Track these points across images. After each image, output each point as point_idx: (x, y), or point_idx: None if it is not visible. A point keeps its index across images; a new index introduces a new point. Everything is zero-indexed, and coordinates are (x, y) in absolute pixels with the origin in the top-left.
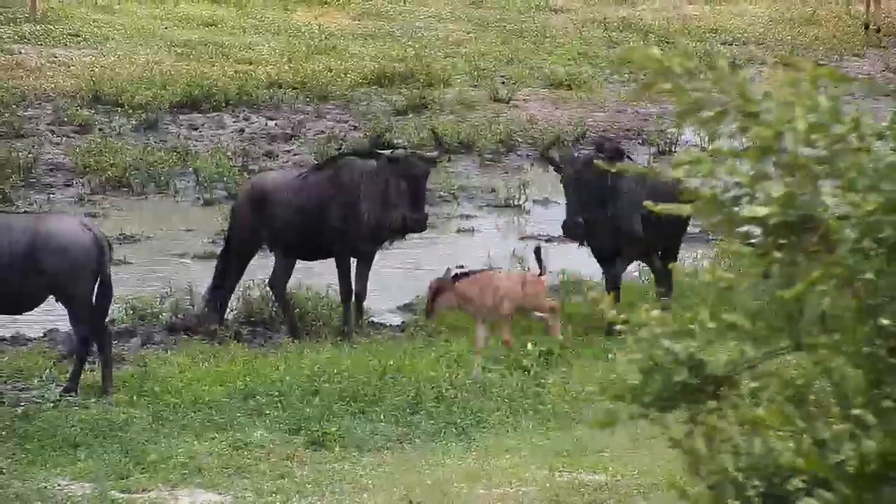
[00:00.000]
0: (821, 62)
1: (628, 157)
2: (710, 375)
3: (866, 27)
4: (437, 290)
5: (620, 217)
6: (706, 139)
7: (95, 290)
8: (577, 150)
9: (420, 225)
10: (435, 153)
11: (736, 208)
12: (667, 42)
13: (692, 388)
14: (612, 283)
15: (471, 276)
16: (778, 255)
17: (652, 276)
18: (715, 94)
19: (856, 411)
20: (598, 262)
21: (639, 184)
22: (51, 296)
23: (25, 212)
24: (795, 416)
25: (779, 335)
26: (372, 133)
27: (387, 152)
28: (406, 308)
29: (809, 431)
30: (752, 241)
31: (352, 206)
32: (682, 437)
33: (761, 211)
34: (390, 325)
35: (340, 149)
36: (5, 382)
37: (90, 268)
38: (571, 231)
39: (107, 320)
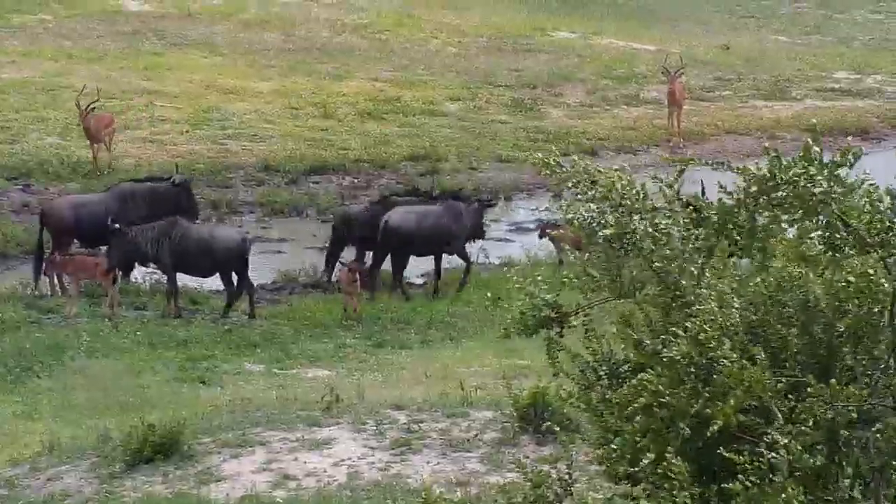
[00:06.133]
0: (638, 149)
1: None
2: (561, 312)
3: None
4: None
5: None
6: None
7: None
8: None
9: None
10: (431, 189)
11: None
12: (558, 140)
13: (551, 318)
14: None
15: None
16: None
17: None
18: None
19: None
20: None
21: None
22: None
23: (221, 224)
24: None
25: (603, 292)
26: (407, 183)
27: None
28: (424, 275)
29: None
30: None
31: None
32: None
33: (609, 230)
34: (415, 284)
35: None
36: (217, 313)
37: (238, 254)
38: None
39: (249, 277)
